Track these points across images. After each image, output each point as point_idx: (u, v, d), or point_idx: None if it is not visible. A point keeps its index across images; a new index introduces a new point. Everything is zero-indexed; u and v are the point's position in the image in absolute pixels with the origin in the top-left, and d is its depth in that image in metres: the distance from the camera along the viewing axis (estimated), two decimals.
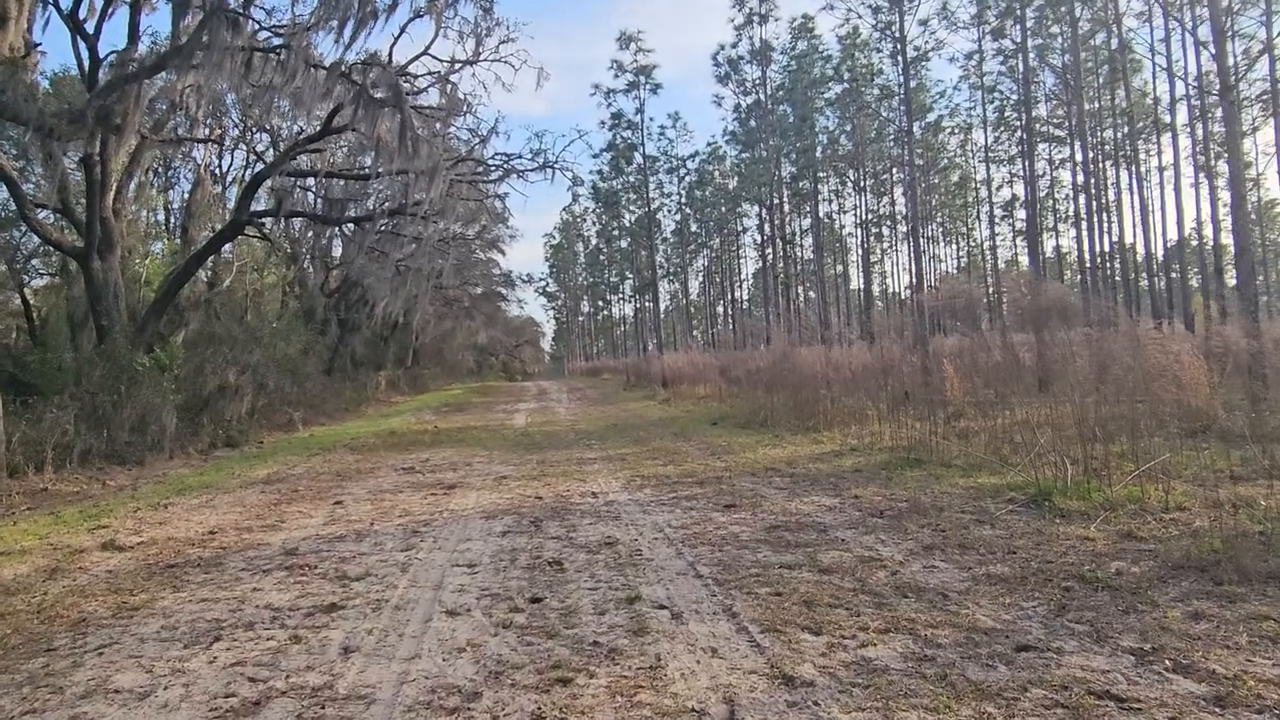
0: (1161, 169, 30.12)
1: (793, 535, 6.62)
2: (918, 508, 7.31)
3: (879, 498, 7.99)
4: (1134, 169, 31.31)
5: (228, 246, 27.79)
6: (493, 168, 19.79)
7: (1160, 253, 40.84)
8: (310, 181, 26.70)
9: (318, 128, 18.34)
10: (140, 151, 18.85)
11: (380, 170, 15.83)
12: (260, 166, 22.29)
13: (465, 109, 18.35)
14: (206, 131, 20.61)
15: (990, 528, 6.41)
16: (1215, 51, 13.31)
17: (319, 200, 21.77)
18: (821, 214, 45.86)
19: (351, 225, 20.13)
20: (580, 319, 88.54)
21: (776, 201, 39.28)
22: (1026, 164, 22.88)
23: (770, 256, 40.33)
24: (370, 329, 43.58)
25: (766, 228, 41.51)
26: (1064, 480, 7.16)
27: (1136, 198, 31.24)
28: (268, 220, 22.53)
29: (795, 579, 5.32)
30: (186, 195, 27.49)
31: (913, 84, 30.60)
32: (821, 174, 42.74)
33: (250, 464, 13.86)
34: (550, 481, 10.51)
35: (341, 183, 28.26)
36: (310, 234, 31.95)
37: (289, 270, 33.07)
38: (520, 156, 19.75)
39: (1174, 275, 37.74)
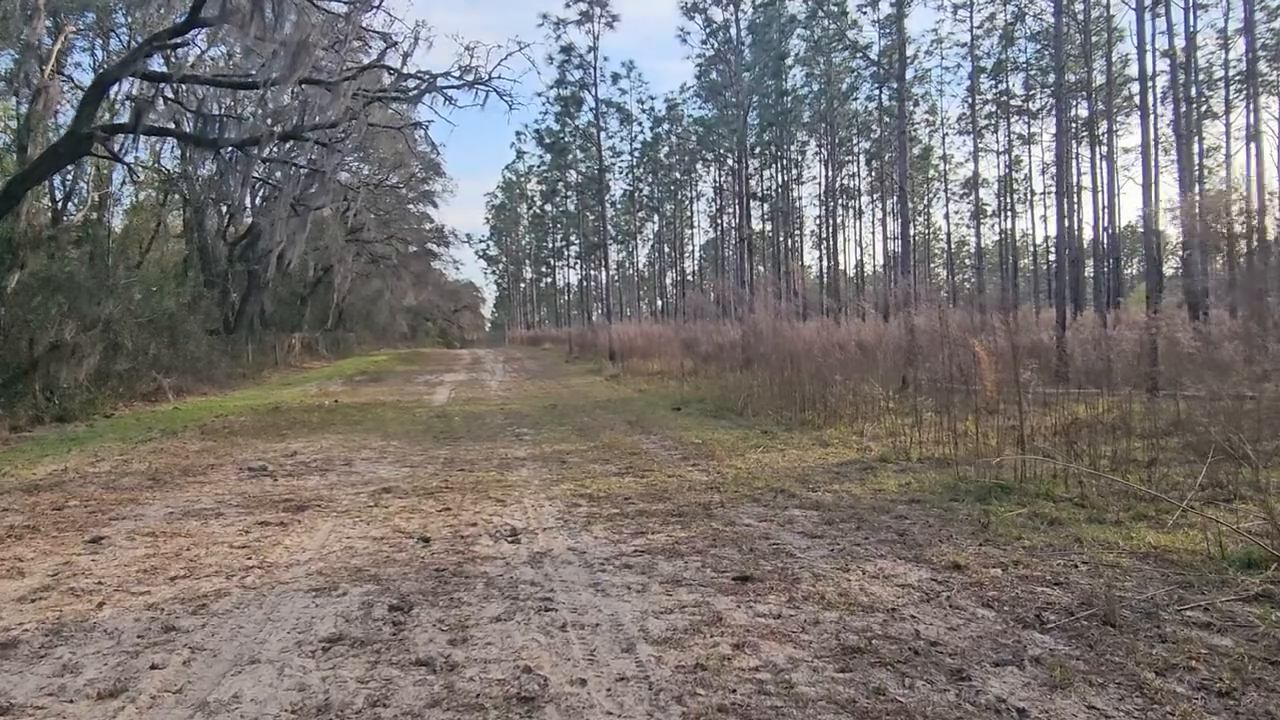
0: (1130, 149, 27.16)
1: (904, 693, 3.24)
2: (1104, 612, 3.97)
3: (998, 571, 4.65)
4: (1097, 148, 28.48)
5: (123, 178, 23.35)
6: (411, 84, 15.91)
7: (1105, 239, 38.05)
8: (204, 98, 22.33)
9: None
10: None
11: (229, 41, 11.89)
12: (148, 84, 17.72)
13: (377, 2, 14.39)
14: (49, 24, 16.25)
15: None
16: None
17: (202, 121, 17.61)
18: (782, 181, 42.57)
19: (236, 150, 16.15)
20: (523, 285, 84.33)
21: (741, 164, 35.80)
22: (1056, 112, 19.74)
23: (731, 218, 36.98)
24: (286, 285, 39.03)
25: (729, 186, 38.12)
26: None
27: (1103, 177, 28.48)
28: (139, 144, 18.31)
29: None
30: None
31: (897, 34, 27.27)
32: (787, 133, 39.39)
33: (49, 453, 10.06)
34: (452, 501, 7.01)
35: (236, 103, 24.03)
36: (217, 171, 27.54)
37: (183, 210, 28.50)
38: (447, 74, 15.93)
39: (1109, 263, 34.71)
